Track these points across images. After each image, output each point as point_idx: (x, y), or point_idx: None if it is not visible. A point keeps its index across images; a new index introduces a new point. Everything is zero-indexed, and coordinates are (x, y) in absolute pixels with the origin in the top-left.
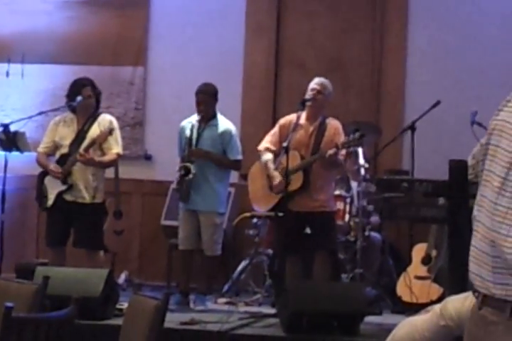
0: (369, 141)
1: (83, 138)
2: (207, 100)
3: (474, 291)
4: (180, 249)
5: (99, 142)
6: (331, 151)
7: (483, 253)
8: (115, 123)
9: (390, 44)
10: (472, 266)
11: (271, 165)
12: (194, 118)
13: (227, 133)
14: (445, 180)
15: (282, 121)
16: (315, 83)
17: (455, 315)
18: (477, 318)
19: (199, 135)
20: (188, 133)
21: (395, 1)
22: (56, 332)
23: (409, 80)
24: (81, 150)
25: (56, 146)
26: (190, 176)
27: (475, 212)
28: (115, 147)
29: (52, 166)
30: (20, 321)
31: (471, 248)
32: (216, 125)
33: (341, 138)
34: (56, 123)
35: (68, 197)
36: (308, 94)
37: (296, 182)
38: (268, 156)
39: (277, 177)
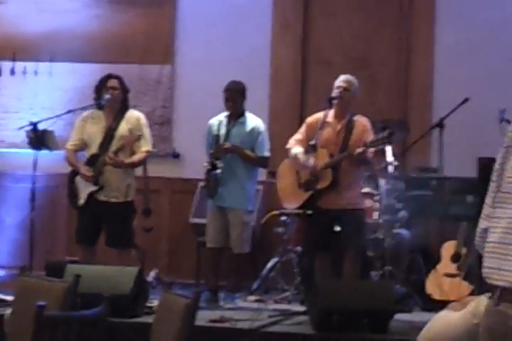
0: (397, 139)
1: (112, 136)
2: (235, 97)
3: (488, 291)
4: (208, 246)
5: (128, 146)
6: (359, 149)
7: (508, 245)
8: (143, 120)
9: (417, 41)
10: (489, 261)
11: (301, 156)
12: (222, 116)
13: (255, 130)
14: (474, 178)
15: (309, 119)
16: (341, 80)
17: None
18: (496, 315)
19: (228, 132)
20: (215, 130)
21: None
22: (88, 331)
23: (437, 77)
24: (110, 153)
25: (84, 143)
26: (218, 171)
27: (488, 211)
28: (144, 145)
29: (84, 169)
30: (53, 320)
31: (489, 244)
32: (245, 122)
33: (370, 135)
34: (84, 119)
35: (101, 197)
36: (335, 92)
37: (325, 179)
38: (298, 149)
39: (311, 159)
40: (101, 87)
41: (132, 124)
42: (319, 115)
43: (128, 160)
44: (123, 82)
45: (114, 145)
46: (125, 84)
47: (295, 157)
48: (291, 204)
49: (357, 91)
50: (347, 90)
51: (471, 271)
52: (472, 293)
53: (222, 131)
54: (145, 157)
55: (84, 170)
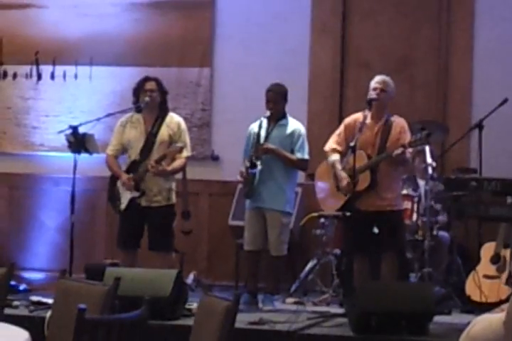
0: (436, 140)
1: (153, 142)
2: (276, 98)
3: None
4: (245, 249)
5: (170, 156)
6: (398, 151)
7: None
8: (183, 125)
9: (456, 42)
10: None
11: (338, 166)
12: (262, 120)
13: (296, 133)
14: None
15: (347, 120)
16: (376, 82)
17: None
18: None
19: (268, 134)
20: (255, 132)
21: None
22: (128, 333)
23: (476, 78)
24: (152, 162)
25: (125, 148)
26: (258, 168)
27: None
28: (184, 151)
29: (125, 178)
30: (94, 323)
31: None
32: (285, 125)
33: (407, 136)
34: (123, 124)
35: (143, 203)
36: (372, 94)
37: (364, 181)
38: (335, 157)
39: (345, 179)
40: (138, 89)
41: (173, 130)
42: (357, 116)
43: (170, 168)
44: (161, 84)
45: (155, 151)
46: (163, 86)
47: (333, 166)
48: (331, 207)
49: (393, 91)
50: (384, 91)
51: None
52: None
53: (263, 132)
54: (185, 163)
55: (125, 178)
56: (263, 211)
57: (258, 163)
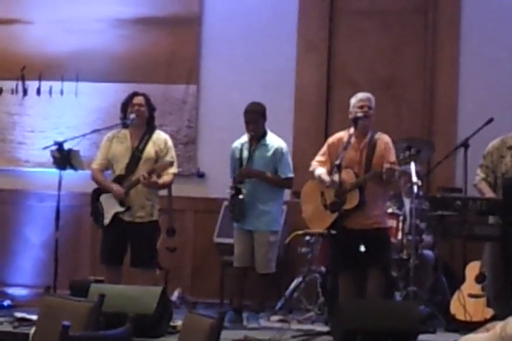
0: (422, 158)
1: (139, 158)
2: (255, 119)
3: None
4: (234, 266)
5: (159, 172)
6: (387, 165)
7: None
8: (170, 143)
9: (442, 61)
10: None
11: (325, 177)
12: (244, 139)
13: (278, 152)
14: (499, 199)
15: (331, 140)
16: (361, 99)
17: None
18: None
19: (250, 155)
20: (238, 153)
21: (446, 17)
22: None
23: (461, 97)
24: (145, 173)
25: (110, 163)
26: (241, 197)
27: None
28: (171, 168)
29: (115, 188)
30: (78, 340)
31: None
32: (267, 145)
33: (392, 152)
34: (109, 139)
35: (126, 218)
36: (358, 112)
37: (353, 200)
38: (321, 170)
39: (336, 177)
40: (127, 104)
41: (159, 146)
42: (341, 135)
43: (160, 181)
44: (149, 100)
45: (140, 167)
46: (151, 102)
47: (319, 178)
48: (318, 227)
49: (374, 107)
50: (370, 108)
51: (498, 294)
52: (496, 314)
53: (245, 154)
54: (172, 179)
55: (116, 188)
56: (251, 231)
57: (243, 189)
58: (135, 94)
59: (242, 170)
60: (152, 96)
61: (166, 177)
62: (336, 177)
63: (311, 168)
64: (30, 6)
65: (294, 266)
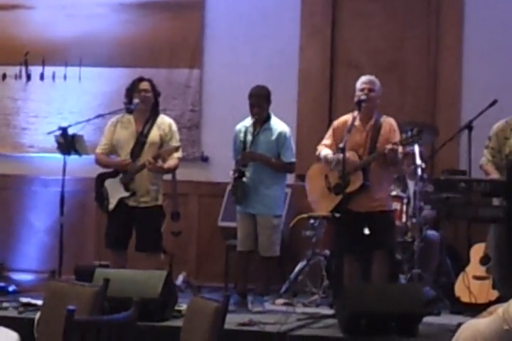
0: (426, 141)
1: (143, 143)
2: (260, 103)
3: None
4: (238, 250)
5: (164, 156)
6: (389, 146)
7: None
8: (174, 127)
9: (445, 43)
10: None
11: (331, 156)
12: (248, 122)
13: (281, 136)
14: (503, 180)
15: (336, 123)
16: (363, 82)
17: None
18: None
19: (254, 138)
20: (242, 136)
21: (449, 1)
22: (117, 335)
23: (465, 80)
24: (150, 158)
25: (114, 148)
26: (244, 179)
27: None
28: (176, 153)
29: (119, 159)
30: (83, 324)
31: None
32: (270, 129)
33: (397, 135)
34: (113, 124)
35: (131, 203)
36: (361, 94)
37: (356, 182)
38: (327, 151)
39: (340, 155)
40: (132, 89)
41: (164, 131)
42: (346, 118)
43: (166, 166)
44: (154, 85)
45: (145, 152)
46: (156, 88)
47: (325, 158)
48: (323, 210)
49: (380, 90)
50: (372, 90)
51: (502, 276)
52: (500, 297)
53: (249, 137)
54: (177, 164)
55: (119, 159)
56: (254, 215)
57: (246, 170)
58: (141, 79)
59: (245, 154)
60: (155, 80)
61: (171, 162)
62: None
63: (317, 152)
64: None
65: (298, 249)
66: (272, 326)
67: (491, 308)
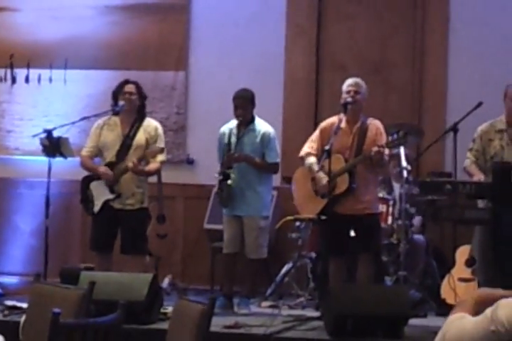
0: (411, 143)
1: (129, 145)
2: (244, 104)
3: None
4: (224, 252)
5: (148, 158)
6: (375, 148)
7: None
8: (160, 130)
9: (431, 45)
10: None
11: (315, 167)
12: (232, 124)
13: (265, 137)
14: (488, 182)
15: (323, 124)
16: (349, 85)
17: (506, 322)
18: None
19: (238, 140)
20: (226, 139)
21: (435, 2)
22: (103, 338)
23: (451, 81)
24: (135, 160)
25: (99, 150)
26: (229, 182)
27: None
28: (160, 156)
29: (103, 169)
30: (69, 327)
31: None
32: (255, 130)
33: (383, 138)
34: (100, 127)
35: (116, 205)
36: (347, 97)
37: (342, 185)
38: (311, 160)
39: (324, 179)
40: (118, 92)
41: (150, 134)
42: (332, 120)
43: (147, 169)
44: (140, 88)
45: (131, 154)
46: (142, 90)
47: (310, 168)
48: (309, 212)
49: (365, 92)
50: (357, 93)
51: (487, 278)
52: None
53: (233, 139)
54: (159, 167)
55: (104, 169)
56: (240, 217)
57: (231, 174)
58: (126, 81)
59: (229, 155)
60: (141, 83)
61: (152, 165)
62: (325, 163)
63: (301, 154)
64: None
65: (284, 251)
66: (258, 328)
67: (460, 303)
